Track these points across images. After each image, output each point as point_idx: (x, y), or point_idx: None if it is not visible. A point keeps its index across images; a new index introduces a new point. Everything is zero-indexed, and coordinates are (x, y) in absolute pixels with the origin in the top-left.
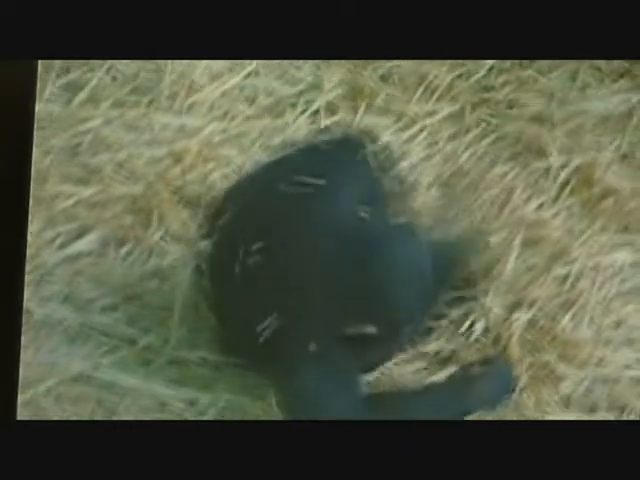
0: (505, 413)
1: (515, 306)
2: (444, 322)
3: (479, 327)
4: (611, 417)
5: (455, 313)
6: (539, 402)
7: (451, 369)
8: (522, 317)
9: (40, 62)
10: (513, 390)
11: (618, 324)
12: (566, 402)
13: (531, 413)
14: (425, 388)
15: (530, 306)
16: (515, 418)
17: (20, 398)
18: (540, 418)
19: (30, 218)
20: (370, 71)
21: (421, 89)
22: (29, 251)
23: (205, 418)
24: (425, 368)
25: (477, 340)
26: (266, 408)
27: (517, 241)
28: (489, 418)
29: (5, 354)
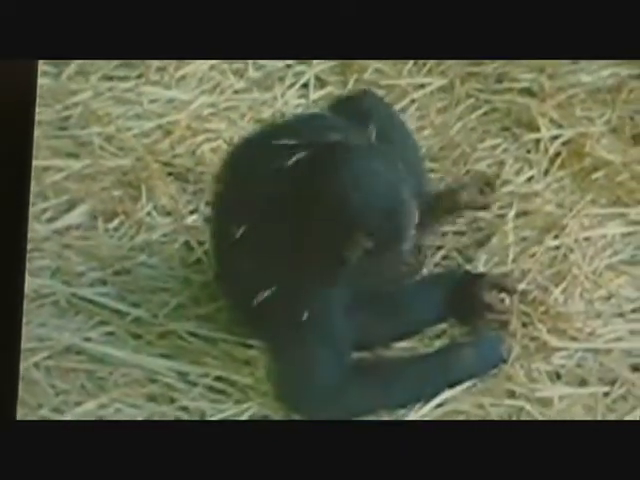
0: (497, 383)
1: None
2: None
3: None
4: (602, 390)
5: None
6: (530, 374)
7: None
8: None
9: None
10: (504, 360)
11: (609, 296)
12: (557, 374)
13: (522, 384)
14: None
15: (522, 278)
16: (506, 388)
17: None
18: (531, 391)
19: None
20: None
21: (410, 62)
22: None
23: (195, 390)
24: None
25: None
26: (255, 381)
27: (511, 214)
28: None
29: (4, 355)
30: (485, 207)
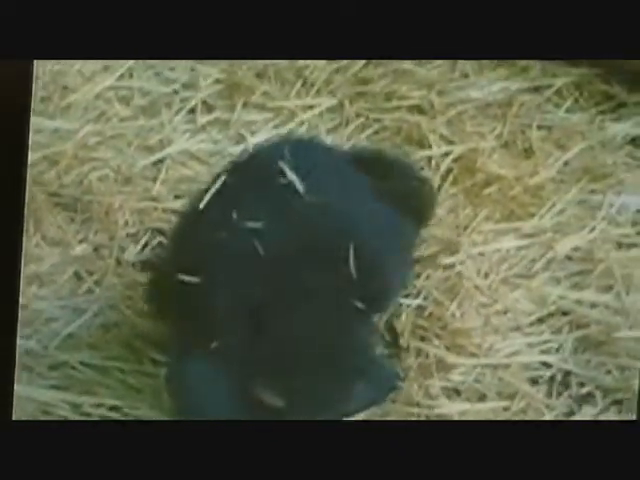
0: (392, 404)
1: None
2: None
3: None
4: (502, 404)
5: None
6: (427, 392)
7: None
8: (411, 305)
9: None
10: (399, 382)
11: (506, 311)
12: (455, 391)
13: (420, 403)
14: None
15: (417, 296)
16: (404, 409)
17: None
18: (428, 408)
19: None
20: (245, 69)
21: (298, 84)
22: None
23: (91, 419)
24: None
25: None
26: (148, 408)
27: None
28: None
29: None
30: None
